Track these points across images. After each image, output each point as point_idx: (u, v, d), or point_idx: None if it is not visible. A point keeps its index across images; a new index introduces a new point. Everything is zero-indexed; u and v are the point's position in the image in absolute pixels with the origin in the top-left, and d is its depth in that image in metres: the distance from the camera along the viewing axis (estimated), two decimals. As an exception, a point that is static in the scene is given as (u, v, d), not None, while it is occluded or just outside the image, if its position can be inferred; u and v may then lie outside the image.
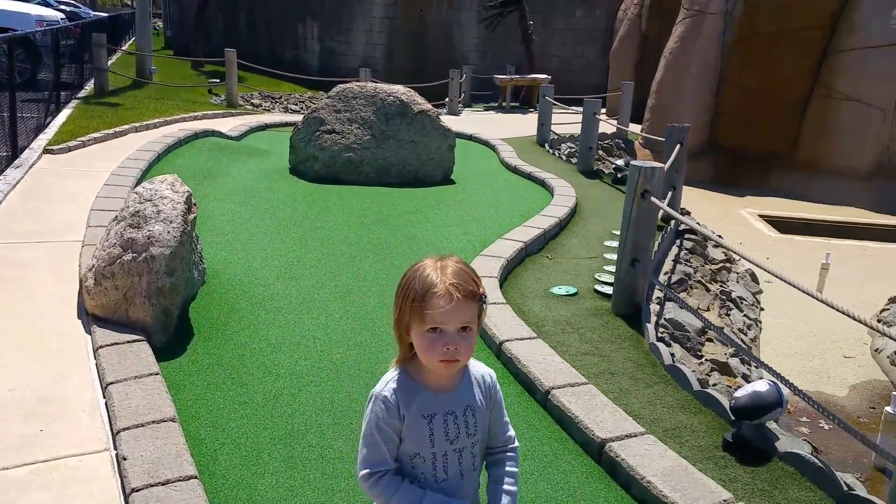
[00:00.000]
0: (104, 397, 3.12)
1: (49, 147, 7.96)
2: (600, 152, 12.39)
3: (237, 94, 14.02)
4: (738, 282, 6.91)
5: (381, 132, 7.80)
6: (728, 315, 5.65)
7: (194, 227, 4.19)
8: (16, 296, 4.11)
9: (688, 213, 8.15)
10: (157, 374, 3.26)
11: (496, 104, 17.79)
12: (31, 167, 7.12)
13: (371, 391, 1.54)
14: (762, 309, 7.09)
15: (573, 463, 2.90)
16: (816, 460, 2.82)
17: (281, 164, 8.17)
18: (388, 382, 1.52)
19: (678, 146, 6.66)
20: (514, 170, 8.89)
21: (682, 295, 5.31)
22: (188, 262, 4.03)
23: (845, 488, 2.68)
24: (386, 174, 7.71)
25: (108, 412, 3.00)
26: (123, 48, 20.99)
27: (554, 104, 11.68)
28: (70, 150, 8.11)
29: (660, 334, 4.47)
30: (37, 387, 3.19)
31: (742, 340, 5.23)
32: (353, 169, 7.65)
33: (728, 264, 6.90)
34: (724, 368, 4.44)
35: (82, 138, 8.56)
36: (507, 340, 3.74)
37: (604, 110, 16.57)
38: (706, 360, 4.41)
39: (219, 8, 23.48)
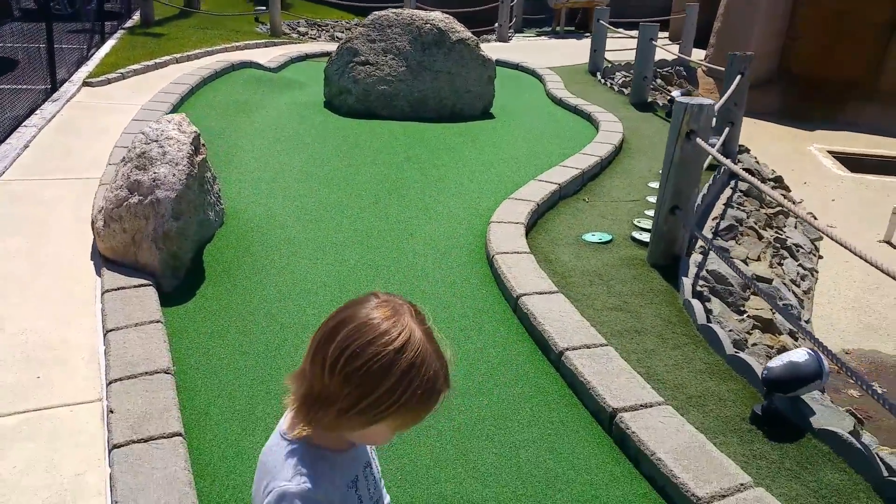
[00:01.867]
0: (104, 345, 3.07)
1: (88, 80, 7.92)
2: (657, 81, 11.67)
3: (281, 21, 13.69)
4: (795, 227, 6.42)
5: (417, 63, 7.44)
6: (781, 265, 5.25)
7: (205, 167, 4.04)
8: (34, 235, 4.08)
9: (746, 151, 7.58)
10: (158, 322, 3.18)
11: (549, 29, 16.95)
12: (68, 100, 7.09)
13: (272, 490, 1.12)
14: (820, 257, 6.60)
15: (581, 433, 2.70)
16: (854, 440, 2.54)
17: (316, 98, 7.93)
18: (298, 470, 1.14)
19: (738, 77, 6.10)
20: (560, 102, 8.42)
21: (731, 243, 4.93)
22: (198, 205, 3.89)
23: (885, 473, 2.41)
24: (422, 108, 7.39)
25: (105, 361, 2.94)
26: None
27: (609, 28, 10.97)
28: (109, 82, 8.05)
29: (699, 288, 4.15)
30: (42, 331, 3.16)
31: (794, 293, 4.85)
32: (387, 103, 7.35)
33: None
34: (767, 326, 4.11)
35: (122, 70, 8.48)
36: (525, 294, 3.51)
37: (665, 34, 15.60)
38: (748, 316, 4.09)
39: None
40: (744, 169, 6.43)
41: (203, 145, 3.94)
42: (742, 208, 5.60)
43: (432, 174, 5.66)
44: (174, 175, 3.62)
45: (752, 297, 4.39)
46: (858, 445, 2.51)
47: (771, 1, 12.39)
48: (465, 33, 7.67)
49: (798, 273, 5.45)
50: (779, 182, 6.89)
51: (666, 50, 10.20)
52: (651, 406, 2.68)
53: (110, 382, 2.73)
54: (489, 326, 3.44)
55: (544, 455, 2.57)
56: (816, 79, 12.50)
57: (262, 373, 2.98)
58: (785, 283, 4.91)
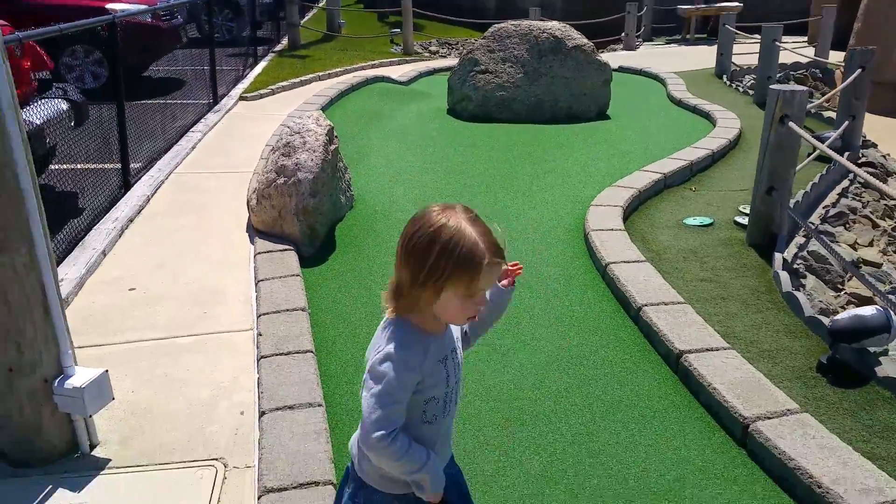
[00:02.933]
0: (255, 291, 3.75)
1: (244, 94, 9.06)
2: (790, 84, 11.37)
3: (412, 41, 14.61)
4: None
5: (534, 70, 7.89)
6: None
7: (337, 157, 4.71)
8: (201, 215, 4.93)
9: (874, 146, 7.35)
10: (297, 276, 3.83)
11: (679, 37, 16.80)
12: (227, 112, 8.19)
13: (380, 350, 1.45)
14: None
15: (649, 371, 3.02)
16: (913, 384, 2.68)
17: (440, 106, 8.58)
18: (398, 340, 1.44)
19: (859, 70, 6.05)
20: (679, 103, 8.55)
21: (839, 229, 4.95)
22: (332, 187, 4.56)
23: (940, 414, 2.54)
24: (538, 111, 7.83)
25: (255, 302, 3.62)
26: (319, 4, 22.56)
27: (737, 33, 10.88)
28: (261, 97, 9.16)
29: (796, 265, 4.28)
30: (207, 282, 3.91)
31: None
32: (505, 107, 7.85)
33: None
34: (865, 303, 4.15)
35: (272, 86, 9.60)
36: (613, 263, 3.85)
37: (804, 38, 15.06)
38: (846, 293, 4.16)
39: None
40: (865, 162, 6.31)
41: (336, 137, 4.61)
42: (859, 199, 5.55)
43: (541, 167, 6.07)
44: (312, 160, 4.31)
45: (854, 278, 4.43)
46: (917, 388, 2.65)
47: (916, -2, 11.72)
48: (581, 40, 8.03)
49: (917, 263, 5.31)
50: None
51: (797, 53, 9.97)
52: (716, 350, 2.95)
53: (259, 315, 3.39)
54: (578, 290, 3.81)
55: (612, 385, 2.92)
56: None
57: (377, 317, 3.53)
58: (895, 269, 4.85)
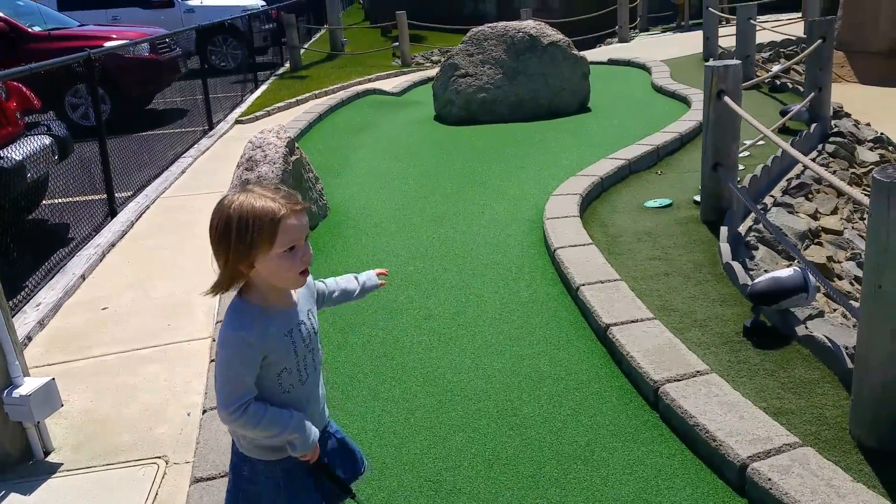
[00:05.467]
0: (219, 303, 3.94)
1: (239, 118, 9.36)
2: (781, 61, 11.30)
3: (410, 53, 14.84)
4: None
5: (512, 69, 8.02)
6: (862, 220, 5.15)
7: (302, 167, 4.89)
8: (180, 234, 5.17)
9: (847, 115, 7.29)
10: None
11: (675, 25, 16.77)
12: (221, 136, 8.48)
13: (221, 331, 1.57)
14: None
15: (579, 346, 3.12)
16: (826, 340, 2.73)
17: (428, 113, 8.74)
18: (237, 319, 1.56)
19: (819, 41, 6.05)
20: (660, 90, 8.59)
21: (800, 200, 4.97)
22: (297, 197, 4.74)
23: (850, 365, 2.59)
24: (519, 110, 7.95)
25: (217, 311, 3.81)
26: (325, 26, 22.99)
27: (721, 16, 10.86)
28: (256, 119, 9.44)
29: (748, 238, 4.33)
30: (175, 297, 4.12)
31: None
32: (487, 109, 7.99)
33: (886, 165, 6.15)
34: (821, 270, 4.17)
35: (268, 108, 9.89)
36: (561, 248, 3.95)
37: (798, 14, 14.88)
38: (797, 261, 4.18)
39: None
40: (837, 132, 6.28)
41: (297, 148, 4.81)
42: (826, 168, 5.54)
43: (515, 163, 6.19)
44: (272, 172, 4.50)
45: (815, 245, 4.45)
46: (828, 343, 2.70)
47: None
48: (556, 36, 8.14)
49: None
50: (878, 143, 6.60)
51: (774, 31, 9.92)
52: (640, 321, 3.03)
53: (217, 323, 3.58)
54: (527, 276, 3.93)
55: (543, 362, 3.03)
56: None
57: (333, 321, 3.69)
58: (861, 236, 4.83)
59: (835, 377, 2.67)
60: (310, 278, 1.73)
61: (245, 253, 1.50)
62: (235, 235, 1.49)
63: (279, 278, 1.56)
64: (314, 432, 1.66)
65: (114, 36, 9.57)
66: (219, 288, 1.58)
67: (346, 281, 1.94)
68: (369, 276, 2.00)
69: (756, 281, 3.01)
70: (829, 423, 2.46)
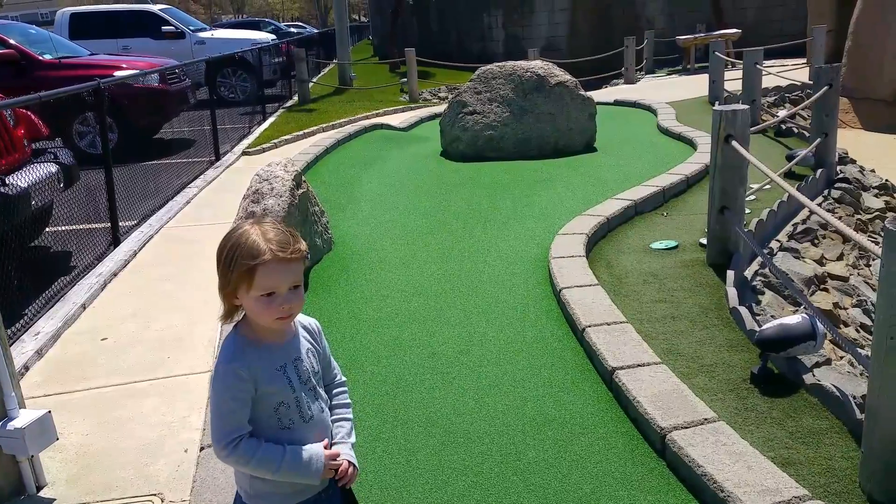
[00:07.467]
0: (219, 336, 3.91)
1: (247, 150, 9.42)
2: (787, 106, 11.41)
3: (417, 89, 15.01)
4: None
5: (520, 108, 8.09)
6: (868, 266, 5.12)
7: (309, 201, 4.90)
8: (186, 265, 5.15)
9: (851, 161, 7.32)
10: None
11: (680, 67, 16.97)
12: (227, 167, 8.52)
13: (215, 364, 1.57)
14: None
15: (586, 389, 3.07)
16: (835, 389, 2.68)
17: (435, 149, 8.80)
18: (230, 353, 1.55)
19: (826, 88, 6.10)
20: (666, 131, 8.65)
21: (805, 245, 4.95)
22: (303, 231, 4.73)
23: (859, 415, 2.54)
24: (525, 148, 7.99)
25: (217, 345, 3.77)
26: (334, 61, 23.32)
27: (728, 60, 11.00)
28: (263, 150, 9.50)
29: (755, 283, 4.30)
30: (176, 329, 4.08)
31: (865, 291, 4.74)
32: (493, 146, 8.04)
33: (891, 213, 6.16)
34: (827, 316, 4.13)
35: (275, 140, 9.96)
36: (566, 287, 3.92)
37: (803, 60, 15.08)
38: (805, 307, 4.15)
39: (412, 11, 25.05)
40: (843, 178, 6.30)
41: (304, 181, 4.81)
42: (833, 214, 5.54)
43: (521, 201, 6.20)
44: (279, 205, 4.50)
45: (822, 291, 4.42)
46: (836, 392, 2.66)
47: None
48: (564, 76, 8.22)
49: None
50: (883, 189, 6.62)
51: (780, 76, 10.03)
52: (647, 365, 2.99)
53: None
54: (533, 315, 3.89)
55: (548, 405, 2.98)
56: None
57: (340, 353, 3.65)
58: (868, 283, 4.81)
59: (843, 427, 2.61)
60: (316, 323, 1.73)
61: (228, 286, 1.51)
62: (223, 266, 1.51)
63: (257, 316, 1.54)
64: (315, 458, 1.57)
65: (124, 65, 9.70)
66: (225, 316, 1.58)
67: (341, 410, 1.76)
68: (343, 449, 1.68)
69: (764, 327, 2.97)
70: (839, 475, 2.40)
